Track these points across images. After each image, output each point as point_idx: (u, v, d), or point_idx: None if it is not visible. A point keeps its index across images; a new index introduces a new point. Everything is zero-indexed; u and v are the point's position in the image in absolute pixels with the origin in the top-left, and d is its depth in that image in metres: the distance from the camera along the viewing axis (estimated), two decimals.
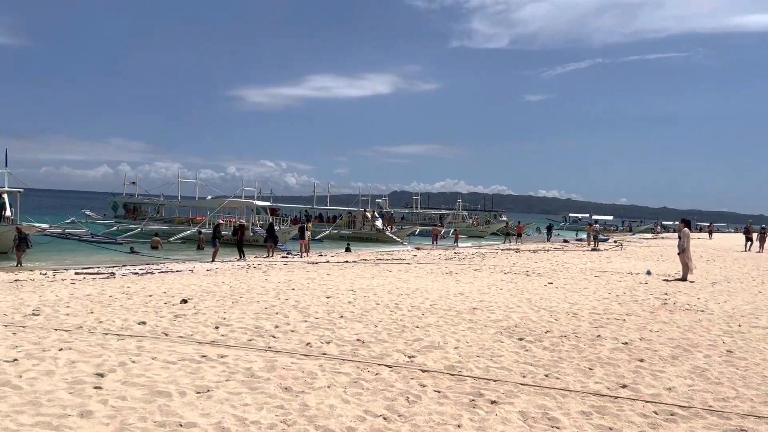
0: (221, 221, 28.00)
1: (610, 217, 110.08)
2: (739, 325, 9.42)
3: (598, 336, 8.06)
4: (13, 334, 6.66)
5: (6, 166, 26.57)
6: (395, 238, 45.42)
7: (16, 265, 19.87)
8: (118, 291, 10.96)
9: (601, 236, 47.30)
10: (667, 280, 15.79)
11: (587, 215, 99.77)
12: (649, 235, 70.33)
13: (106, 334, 6.83)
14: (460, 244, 40.70)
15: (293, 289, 11.74)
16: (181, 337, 6.87)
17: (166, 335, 6.93)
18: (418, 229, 54.41)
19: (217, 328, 7.50)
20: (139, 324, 7.58)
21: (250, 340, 6.86)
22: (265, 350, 6.38)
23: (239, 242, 23.95)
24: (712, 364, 6.79)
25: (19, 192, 26.03)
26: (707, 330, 8.93)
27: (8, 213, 25.12)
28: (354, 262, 20.93)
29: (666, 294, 12.86)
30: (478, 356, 6.67)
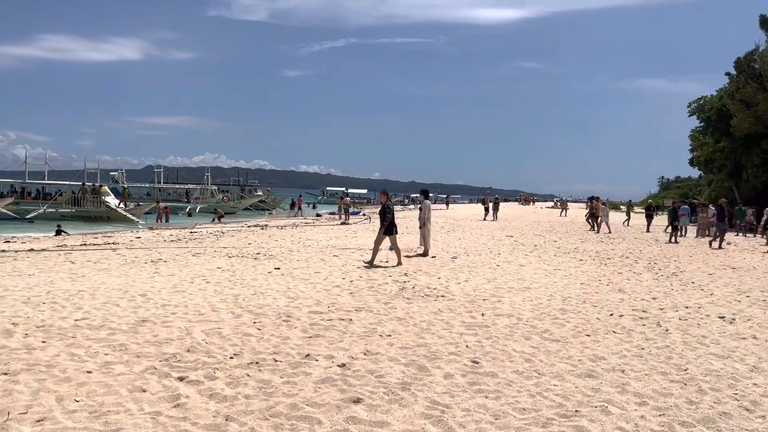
0: None
1: (365, 191, 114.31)
2: (482, 314, 7.79)
3: (308, 356, 5.57)
4: None
5: None
6: (130, 216, 39.68)
7: None
8: None
9: (353, 209, 47.16)
10: (409, 256, 14.38)
11: (343, 188, 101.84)
12: (399, 207, 73.31)
13: None
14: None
15: None
16: None
17: None
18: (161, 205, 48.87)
19: None
20: None
21: None
22: None
23: None
24: (455, 394, 4.70)
25: None
26: (448, 326, 7.07)
27: None
28: (41, 250, 16.09)
29: (406, 275, 11.16)
30: None
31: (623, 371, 5.47)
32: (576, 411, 4.41)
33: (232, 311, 7.44)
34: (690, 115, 43.31)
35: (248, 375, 4.94)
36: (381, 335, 6.50)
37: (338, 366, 5.30)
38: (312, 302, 8.20)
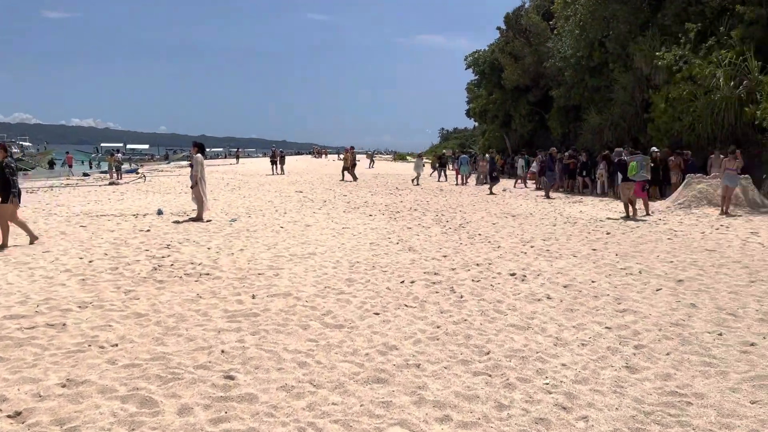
0: None
1: (146, 146, 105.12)
2: (253, 297, 6.29)
3: None
4: None
5: None
6: None
7: None
8: None
9: (129, 166, 42.34)
10: (178, 222, 12.29)
11: (122, 144, 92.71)
12: (185, 163, 68.23)
13: None
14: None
15: None
16: None
17: None
18: None
19: None
20: None
21: None
22: None
23: None
24: None
25: None
26: (205, 319, 5.46)
27: None
28: None
29: (168, 247, 9.20)
30: None
31: (419, 366, 4.37)
32: None
33: None
34: (466, 68, 45.52)
35: None
36: (102, 347, 4.66)
37: (9, 417, 3.42)
38: (16, 300, 5.97)
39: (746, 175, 14.98)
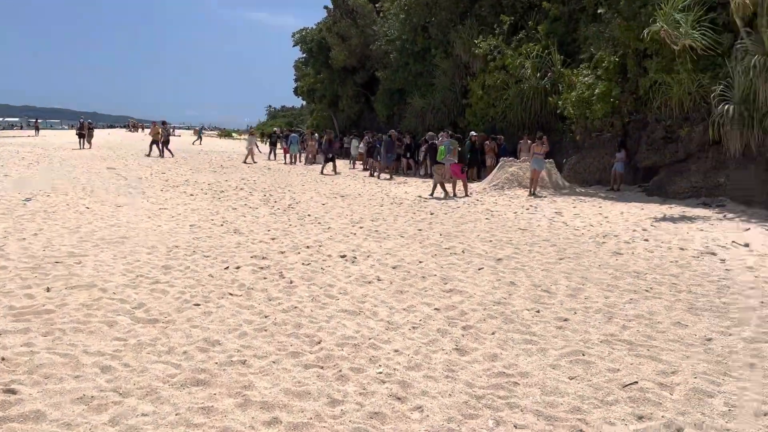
0: None
1: None
2: (48, 289, 5.41)
3: None
4: None
5: None
6: None
7: None
8: None
9: None
10: None
11: None
12: None
13: None
14: None
15: None
16: None
17: None
18: None
19: None
20: None
21: None
22: None
23: None
24: None
25: None
26: None
27: None
28: None
29: None
30: None
31: (245, 362, 4.00)
32: None
33: None
34: (294, 46, 44.73)
35: None
36: None
37: None
38: None
39: (550, 160, 16.43)
